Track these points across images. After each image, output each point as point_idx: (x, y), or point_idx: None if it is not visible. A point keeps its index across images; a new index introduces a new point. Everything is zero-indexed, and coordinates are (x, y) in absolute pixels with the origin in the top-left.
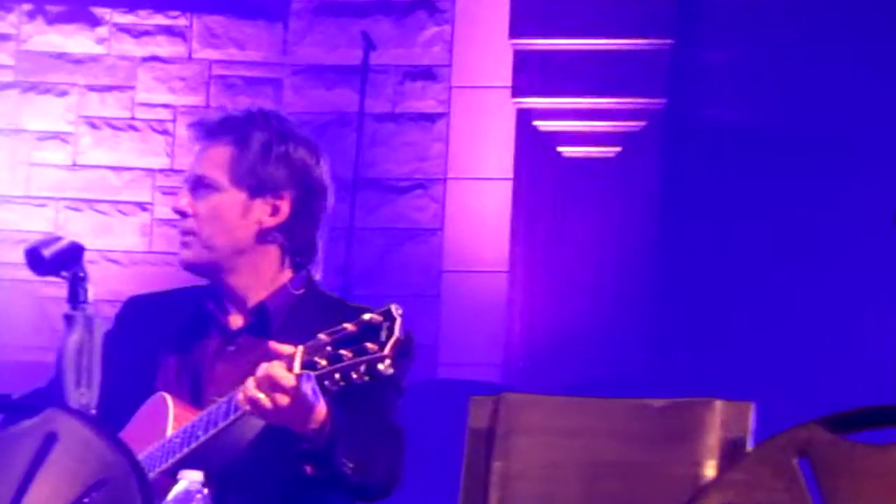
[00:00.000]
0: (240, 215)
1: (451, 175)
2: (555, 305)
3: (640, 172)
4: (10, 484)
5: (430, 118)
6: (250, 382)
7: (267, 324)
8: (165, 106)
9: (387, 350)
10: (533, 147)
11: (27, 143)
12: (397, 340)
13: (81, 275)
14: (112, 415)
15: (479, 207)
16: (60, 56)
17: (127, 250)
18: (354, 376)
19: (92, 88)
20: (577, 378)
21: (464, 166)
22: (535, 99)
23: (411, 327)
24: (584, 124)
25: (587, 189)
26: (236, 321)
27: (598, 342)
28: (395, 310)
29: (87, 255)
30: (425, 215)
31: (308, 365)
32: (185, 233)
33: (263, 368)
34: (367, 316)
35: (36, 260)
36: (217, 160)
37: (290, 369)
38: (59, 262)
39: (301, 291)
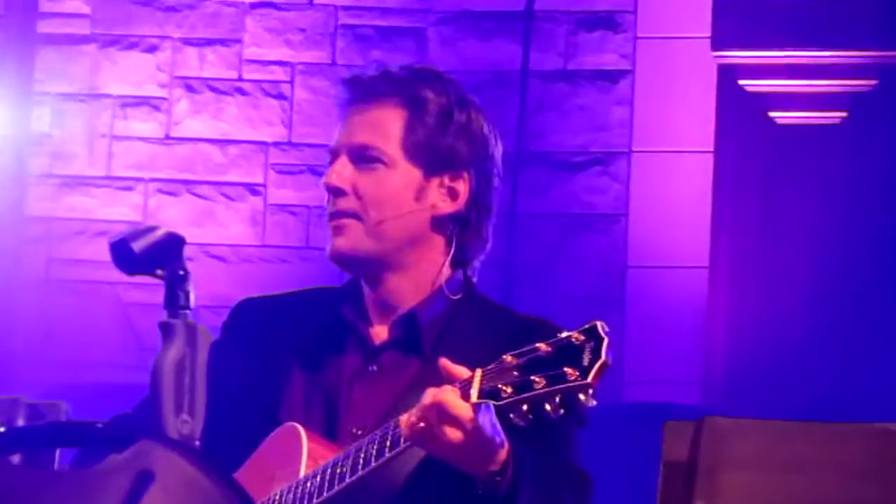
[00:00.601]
0: (414, 198)
1: (638, 147)
2: (768, 309)
3: (872, 141)
4: None
5: (611, 77)
6: (414, 412)
7: (417, 338)
8: (280, 63)
9: (591, 377)
10: (739, 111)
11: (108, 111)
12: (604, 365)
13: (182, 273)
14: (221, 449)
15: (672, 187)
16: (149, 2)
17: (234, 244)
18: (548, 408)
19: (188, 42)
20: (797, 399)
21: (653, 136)
22: (741, 52)
23: None
24: (802, 83)
25: (807, 163)
26: (380, 334)
27: (823, 354)
28: (602, 328)
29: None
30: (606, 198)
31: (489, 393)
32: (341, 215)
33: (431, 394)
34: (565, 334)
35: (124, 255)
36: (385, 126)
37: (465, 397)
38: (154, 257)
39: (458, 297)
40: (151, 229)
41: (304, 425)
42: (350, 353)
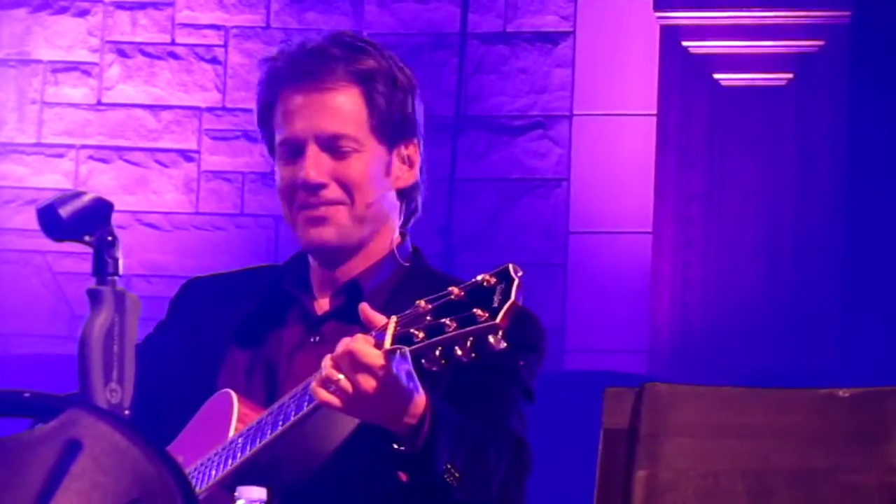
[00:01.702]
0: (384, 174)
1: (579, 110)
2: (713, 275)
3: (818, 103)
4: None
5: (552, 38)
6: (327, 362)
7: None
8: (214, 27)
9: (499, 318)
10: (683, 73)
11: (38, 76)
12: (513, 306)
13: (110, 239)
14: (158, 421)
15: (615, 151)
16: None
17: (167, 211)
18: (459, 352)
19: (120, 6)
20: (742, 366)
21: (595, 99)
22: (685, 13)
23: (535, 308)
24: (747, 44)
25: (752, 125)
26: (324, 305)
27: (770, 320)
28: (514, 271)
29: (116, 217)
30: (547, 162)
31: (402, 339)
32: (325, 203)
33: (344, 343)
34: (479, 277)
35: (51, 221)
36: (348, 110)
37: (379, 345)
38: (81, 223)
39: (407, 265)
40: (79, 195)
41: (243, 396)
42: (292, 325)
